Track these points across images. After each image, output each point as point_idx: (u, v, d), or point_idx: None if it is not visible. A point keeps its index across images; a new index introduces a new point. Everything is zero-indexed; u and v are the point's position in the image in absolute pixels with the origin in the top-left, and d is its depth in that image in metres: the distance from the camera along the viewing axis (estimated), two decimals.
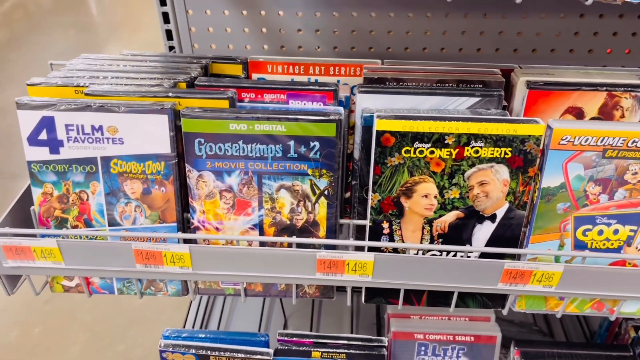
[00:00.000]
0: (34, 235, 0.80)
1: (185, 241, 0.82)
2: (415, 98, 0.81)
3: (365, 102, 0.81)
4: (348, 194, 0.94)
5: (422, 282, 0.82)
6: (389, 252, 0.82)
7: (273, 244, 0.82)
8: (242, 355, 1.06)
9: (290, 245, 0.81)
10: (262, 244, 0.82)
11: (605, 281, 0.81)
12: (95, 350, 1.68)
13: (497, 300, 0.88)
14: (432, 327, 1.09)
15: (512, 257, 0.82)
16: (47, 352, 1.68)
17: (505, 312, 0.88)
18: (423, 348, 1.09)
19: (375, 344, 1.09)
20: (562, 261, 0.82)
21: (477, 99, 0.81)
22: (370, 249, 0.82)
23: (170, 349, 1.06)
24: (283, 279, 0.83)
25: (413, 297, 0.89)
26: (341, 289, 1.47)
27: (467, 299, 0.88)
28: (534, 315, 1.44)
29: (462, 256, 0.81)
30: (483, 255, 0.81)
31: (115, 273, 0.82)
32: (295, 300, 0.91)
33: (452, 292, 0.86)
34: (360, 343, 1.10)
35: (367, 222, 0.81)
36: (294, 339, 1.11)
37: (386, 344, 1.09)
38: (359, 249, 0.85)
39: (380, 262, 0.80)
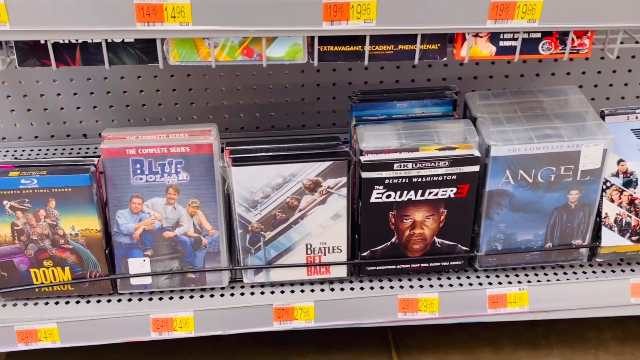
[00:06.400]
0: None
1: None
2: None
3: None
4: None
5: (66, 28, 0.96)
6: None
7: None
8: None
9: None
10: None
11: (241, 12, 0.96)
12: None
13: (152, 54, 1.02)
14: (147, 142, 1.21)
15: None
16: None
17: (161, 64, 1.02)
18: (139, 166, 1.20)
19: (85, 163, 1.20)
20: None
21: None
22: None
23: None
24: None
25: (66, 55, 1.02)
26: None
27: (121, 54, 1.02)
28: None
29: None
30: None
31: None
32: None
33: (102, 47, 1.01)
34: (65, 166, 1.20)
35: None
36: None
37: (95, 163, 1.21)
38: None
39: None
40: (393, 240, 1.26)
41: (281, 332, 1.31)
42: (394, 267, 1.28)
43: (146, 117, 1.62)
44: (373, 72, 1.60)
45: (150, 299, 1.27)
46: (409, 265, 1.29)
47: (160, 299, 1.28)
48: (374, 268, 1.28)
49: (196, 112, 1.62)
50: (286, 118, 1.65)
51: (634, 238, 1.29)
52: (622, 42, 1.16)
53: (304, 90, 1.61)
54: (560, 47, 1.07)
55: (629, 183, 1.26)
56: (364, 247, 1.27)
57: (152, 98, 1.60)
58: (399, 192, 1.21)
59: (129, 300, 1.27)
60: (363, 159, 1.19)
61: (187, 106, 1.61)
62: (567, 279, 1.31)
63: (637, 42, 1.17)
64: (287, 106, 1.63)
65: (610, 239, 1.29)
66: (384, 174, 1.19)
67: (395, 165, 1.18)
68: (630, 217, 1.28)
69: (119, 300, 1.27)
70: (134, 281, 1.26)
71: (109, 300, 1.27)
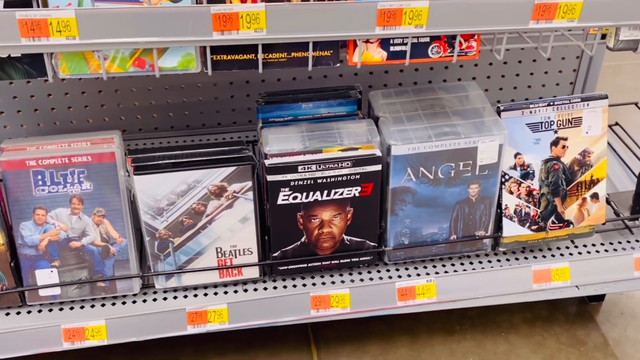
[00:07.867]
0: None
1: None
2: None
3: None
4: None
5: None
6: None
7: None
8: None
9: None
10: None
11: (129, 24, 0.98)
12: None
13: (40, 68, 1.03)
14: (47, 153, 1.22)
15: None
16: None
17: (50, 78, 1.03)
18: (40, 177, 1.21)
19: None
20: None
21: None
22: None
23: None
24: None
25: None
26: None
27: (8, 69, 1.02)
28: None
29: None
30: None
31: None
32: None
33: None
34: None
35: None
36: None
37: None
38: None
39: None
40: (303, 239, 1.30)
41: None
42: (305, 265, 1.33)
43: (56, 121, 1.61)
44: (285, 69, 1.62)
45: (61, 309, 1.29)
46: (319, 263, 1.34)
47: (71, 308, 1.29)
48: (285, 267, 1.33)
49: (107, 114, 1.62)
50: (200, 117, 1.67)
51: (534, 227, 1.37)
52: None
53: (217, 89, 1.63)
54: (449, 50, 1.13)
55: (526, 175, 1.34)
56: (275, 247, 1.31)
57: (61, 101, 1.59)
58: (305, 194, 1.25)
59: (39, 311, 1.28)
60: (267, 162, 1.22)
61: (97, 109, 1.61)
62: (473, 269, 1.39)
63: (508, 42, 1.24)
64: (200, 105, 1.65)
65: (511, 229, 1.37)
66: (289, 177, 1.23)
67: (300, 168, 1.22)
68: (529, 207, 1.36)
69: (29, 312, 1.28)
70: (42, 292, 1.27)
71: (18, 313, 1.28)
